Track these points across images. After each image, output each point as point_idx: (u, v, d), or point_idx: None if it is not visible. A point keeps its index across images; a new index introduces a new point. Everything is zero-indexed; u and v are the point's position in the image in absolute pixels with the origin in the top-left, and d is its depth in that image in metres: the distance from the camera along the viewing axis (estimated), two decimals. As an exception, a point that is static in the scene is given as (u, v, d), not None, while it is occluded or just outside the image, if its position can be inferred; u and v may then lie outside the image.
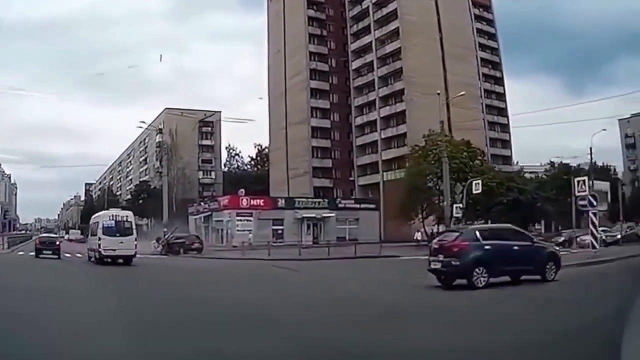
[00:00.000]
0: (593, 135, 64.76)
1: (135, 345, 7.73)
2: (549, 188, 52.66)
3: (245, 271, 24.73)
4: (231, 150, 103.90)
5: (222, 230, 56.13)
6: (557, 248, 19.31)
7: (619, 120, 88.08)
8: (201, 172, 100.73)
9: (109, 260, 25.93)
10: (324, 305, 12.71)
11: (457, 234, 16.15)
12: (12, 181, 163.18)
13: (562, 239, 36.30)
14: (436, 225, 48.53)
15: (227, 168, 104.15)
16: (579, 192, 25.35)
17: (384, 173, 69.22)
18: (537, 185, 54.02)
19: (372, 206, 61.31)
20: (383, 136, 70.61)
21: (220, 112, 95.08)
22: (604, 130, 56.29)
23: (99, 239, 26.45)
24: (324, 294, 15.36)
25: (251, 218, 53.34)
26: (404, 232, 52.71)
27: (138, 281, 19.79)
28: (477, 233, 15.52)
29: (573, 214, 40.63)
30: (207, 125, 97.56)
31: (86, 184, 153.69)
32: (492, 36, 77.50)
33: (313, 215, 56.49)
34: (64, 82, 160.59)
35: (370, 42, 72.89)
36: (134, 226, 27.74)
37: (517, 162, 76.28)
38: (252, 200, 55.86)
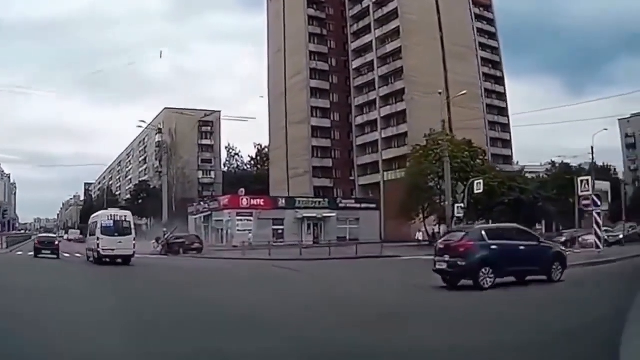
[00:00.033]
0: (594, 135, 64.98)
1: (135, 345, 7.71)
2: (550, 188, 52.65)
3: (245, 271, 24.67)
4: (231, 150, 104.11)
5: (222, 230, 55.97)
6: (563, 248, 19.13)
7: (619, 120, 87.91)
8: (201, 172, 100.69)
9: (108, 260, 25.79)
10: (324, 306, 12.66)
11: (463, 233, 15.90)
12: (12, 181, 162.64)
13: (563, 239, 36.12)
14: (437, 225, 48.51)
15: (227, 168, 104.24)
16: (582, 192, 25.17)
17: (385, 173, 69.12)
18: (539, 185, 53.92)
19: (373, 206, 61.23)
20: (383, 136, 70.49)
21: (220, 111, 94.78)
22: (605, 130, 56.18)
23: (98, 238, 26.35)
24: (325, 294, 15.30)
25: (251, 218, 53.21)
26: (405, 232, 52.69)
27: (138, 281, 19.74)
28: (484, 233, 15.31)
29: (576, 213, 40.56)
30: (207, 124, 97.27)
31: (86, 184, 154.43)
32: (493, 35, 77.31)
33: (313, 215, 56.38)
34: (63, 82, 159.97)
35: (371, 41, 72.78)
36: (132, 226, 27.67)
37: (518, 162, 76.12)
38: (252, 200, 55.72)
